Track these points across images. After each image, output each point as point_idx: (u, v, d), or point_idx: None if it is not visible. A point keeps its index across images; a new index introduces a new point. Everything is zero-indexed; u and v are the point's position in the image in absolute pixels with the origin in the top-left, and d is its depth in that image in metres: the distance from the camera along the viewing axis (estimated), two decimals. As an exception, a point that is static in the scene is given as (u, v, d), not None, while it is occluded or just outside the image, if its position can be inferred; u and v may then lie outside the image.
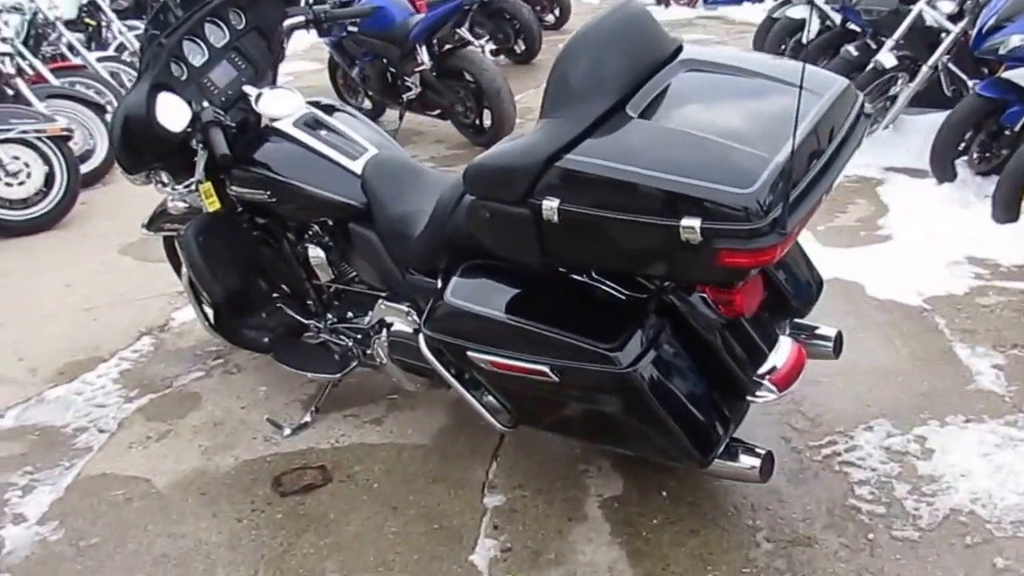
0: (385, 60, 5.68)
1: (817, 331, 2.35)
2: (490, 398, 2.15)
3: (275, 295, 2.84)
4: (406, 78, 5.55)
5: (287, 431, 2.70)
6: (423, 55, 5.34)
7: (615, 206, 1.70)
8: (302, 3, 2.80)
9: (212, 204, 2.56)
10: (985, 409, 2.56)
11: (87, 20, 7.09)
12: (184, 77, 2.51)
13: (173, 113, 2.36)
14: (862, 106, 1.99)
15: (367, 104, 6.35)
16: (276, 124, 2.54)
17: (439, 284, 2.16)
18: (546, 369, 1.91)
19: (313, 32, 2.93)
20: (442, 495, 2.37)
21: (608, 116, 1.79)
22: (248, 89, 2.60)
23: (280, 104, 2.55)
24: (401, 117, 5.87)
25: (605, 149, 1.74)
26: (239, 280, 2.68)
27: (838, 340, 2.33)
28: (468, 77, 5.33)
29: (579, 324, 1.90)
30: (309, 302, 2.79)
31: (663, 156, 1.69)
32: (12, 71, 5.15)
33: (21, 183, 4.69)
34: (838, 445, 2.44)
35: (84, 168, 5.18)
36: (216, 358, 3.21)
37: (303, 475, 2.52)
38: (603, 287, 1.96)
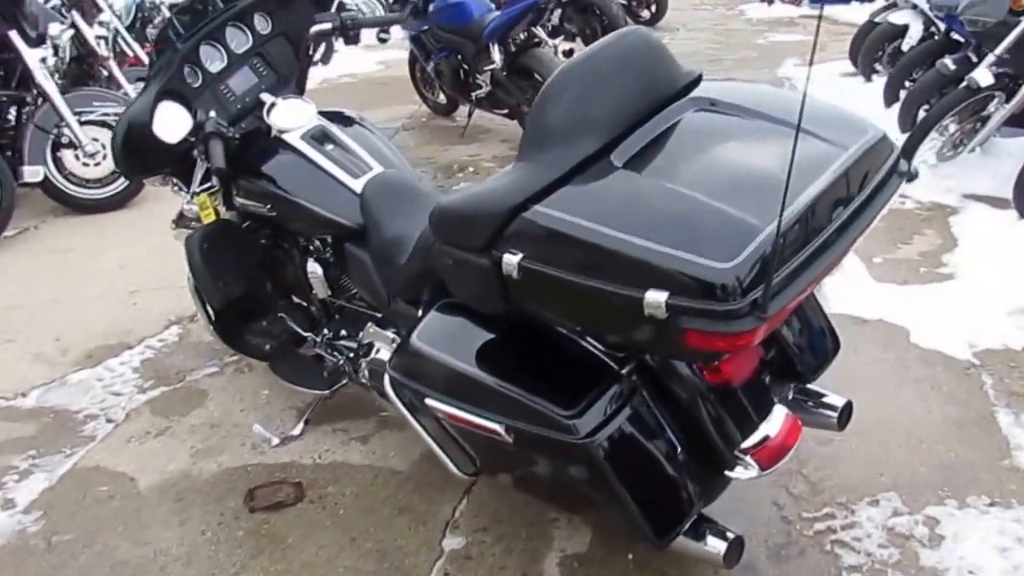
0: (459, 56, 5.61)
1: (823, 399, 2.11)
2: (452, 444, 2.04)
3: (279, 304, 2.82)
4: (478, 75, 5.48)
5: (275, 441, 2.68)
6: (495, 53, 5.25)
7: (578, 268, 1.54)
8: (332, 9, 2.73)
9: (207, 216, 2.54)
10: (1016, 492, 2.28)
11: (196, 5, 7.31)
12: (198, 83, 2.48)
13: (171, 123, 2.34)
14: (896, 163, 1.74)
15: (442, 99, 6.33)
16: (284, 136, 2.48)
17: (419, 316, 2.06)
18: (500, 429, 1.78)
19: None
20: (403, 529, 2.29)
21: (588, 164, 1.62)
22: (265, 97, 2.56)
23: (290, 116, 2.50)
24: (470, 115, 5.84)
25: (576, 203, 1.57)
26: (241, 288, 2.66)
27: (845, 411, 2.07)
28: (538, 77, 5.20)
29: (539, 384, 1.76)
30: (310, 314, 2.76)
31: (638, 216, 1.51)
32: (107, 54, 5.33)
33: (97, 164, 4.86)
34: (835, 520, 2.22)
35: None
36: (232, 355, 3.22)
37: (278, 491, 2.49)
38: (578, 342, 1.81)
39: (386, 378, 2.03)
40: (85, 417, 2.96)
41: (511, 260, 1.60)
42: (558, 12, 7.59)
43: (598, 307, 1.55)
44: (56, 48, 4.87)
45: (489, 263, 1.65)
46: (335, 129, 2.49)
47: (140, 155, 2.46)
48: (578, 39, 7.73)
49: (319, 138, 2.46)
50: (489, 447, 1.91)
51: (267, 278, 2.79)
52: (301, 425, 2.74)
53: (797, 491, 2.32)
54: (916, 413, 2.61)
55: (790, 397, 2.07)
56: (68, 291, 3.90)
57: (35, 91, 4.74)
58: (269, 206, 2.46)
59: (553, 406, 1.70)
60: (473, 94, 5.61)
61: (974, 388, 2.71)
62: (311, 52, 2.71)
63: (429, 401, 1.89)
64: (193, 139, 2.40)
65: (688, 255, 1.42)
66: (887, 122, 4.61)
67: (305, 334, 2.74)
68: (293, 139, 2.45)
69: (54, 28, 4.89)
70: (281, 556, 2.24)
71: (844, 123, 1.71)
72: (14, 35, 4.60)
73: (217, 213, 2.57)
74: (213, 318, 2.82)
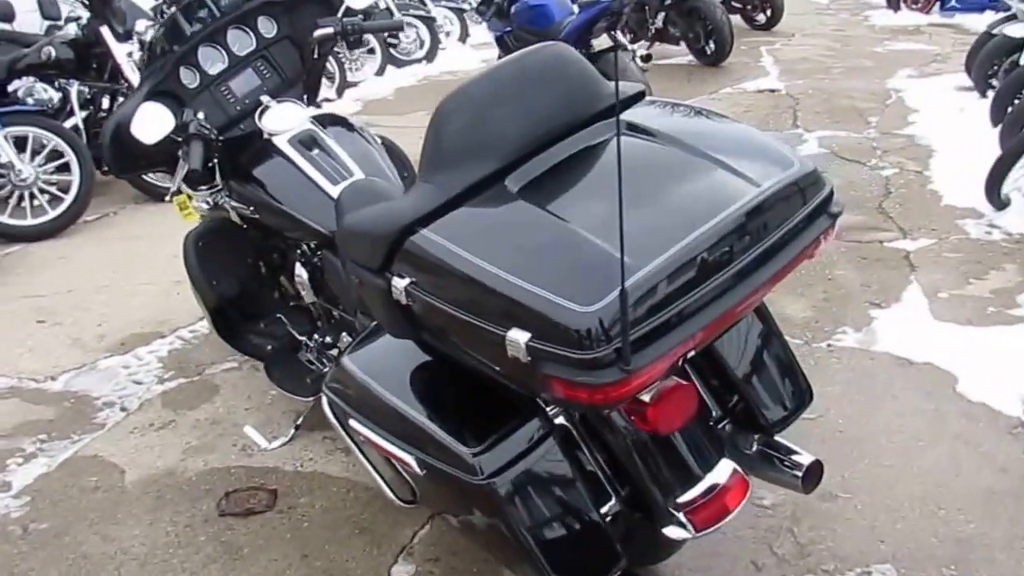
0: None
1: (792, 455, 1.89)
2: (390, 469, 1.95)
3: (278, 306, 2.80)
4: None
5: (263, 445, 2.65)
6: None
7: (453, 299, 1.44)
8: (339, 14, 2.68)
9: (188, 216, 2.54)
10: (1038, 578, 2.00)
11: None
12: (196, 84, 2.48)
13: (151, 124, 2.33)
14: (825, 202, 1.54)
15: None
16: (274, 139, 2.45)
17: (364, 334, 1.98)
18: (413, 462, 1.68)
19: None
20: (357, 550, 2.21)
21: (481, 188, 1.51)
22: (264, 99, 2.53)
23: (280, 119, 2.46)
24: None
25: (457, 230, 1.46)
26: (233, 288, 2.65)
27: (812, 472, 1.82)
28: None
29: (451, 417, 1.64)
30: (311, 319, 2.72)
31: (513, 249, 1.39)
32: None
33: (173, 152, 5.02)
34: (816, 589, 2.00)
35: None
36: (251, 352, 3.23)
37: (251, 496, 2.46)
38: None
39: (324, 397, 1.96)
40: (102, 404, 3.03)
41: (399, 284, 1.51)
42: (661, 15, 7.39)
43: (473, 341, 1.44)
44: (141, 44, 5.04)
45: (385, 286, 1.55)
46: (324, 134, 2.43)
47: (126, 154, 2.48)
48: (681, 43, 7.51)
49: (306, 142, 2.41)
50: (417, 478, 1.80)
51: (266, 279, 2.77)
52: (292, 431, 2.70)
53: (782, 551, 2.10)
54: (942, 474, 2.33)
55: (753, 449, 1.87)
56: (122, 278, 4.03)
57: (125, 84, 4.93)
58: (252, 208, 2.44)
59: (458, 441, 1.58)
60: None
61: (1016, 452, 2.39)
62: (315, 56, 2.66)
63: (352, 423, 1.81)
64: (179, 139, 2.39)
65: (550, 295, 1.28)
66: (993, 142, 4.21)
67: (300, 338, 2.70)
68: (280, 142, 2.41)
69: (140, 24, 5.07)
70: (232, 566, 2.20)
71: (767, 156, 1.52)
72: (104, 30, 4.81)
73: (222, 213, 2.56)
74: (209, 317, 2.83)
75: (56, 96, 4.93)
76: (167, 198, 2.64)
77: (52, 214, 4.61)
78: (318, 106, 2.75)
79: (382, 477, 1.94)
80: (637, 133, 1.59)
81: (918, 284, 3.38)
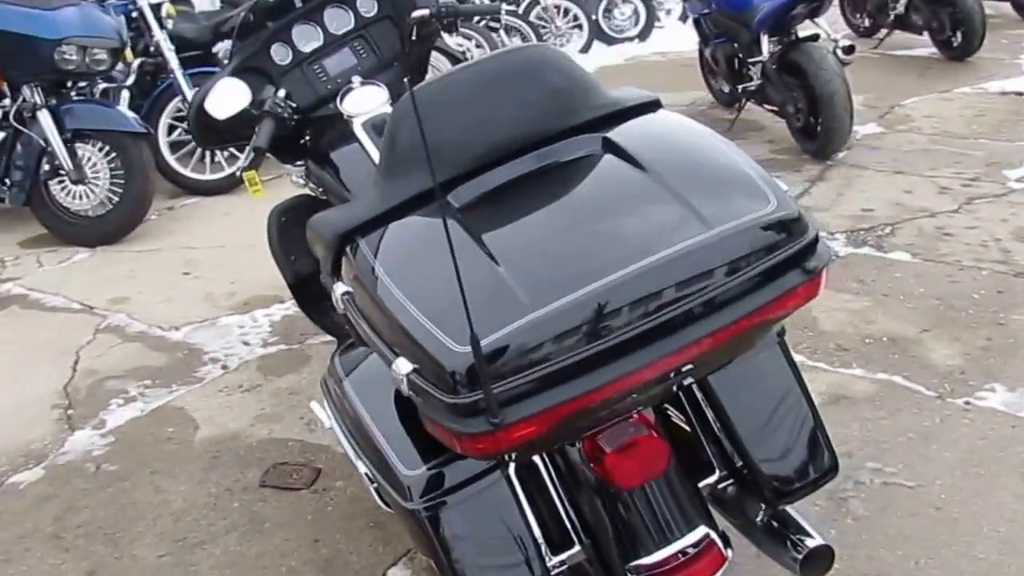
0: (735, 44, 5.20)
1: (799, 534, 1.58)
2: None
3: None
4: (750, 66, 5.02)
5: (325, 423, 2.66)
6: (764, 44, 4.77)
7: (367, 318, 1.36)
8: None
9: (256, 192, 2.56)
10: None
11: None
12: (287, 61, 2.50)
13: (224, 100, 2.36)
14: (803, 253, 1.25)
15: (725, 87, 5.88)
16: (352, 121, 2.43)
17: None
18: (363, 472, 1.62)
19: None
20: (364, 545, 2.16)
21: (426, 199, 1.39)
22: (355, 80, 2.51)
23: (359, 101, 2.42)
24: (739, 108, 5.36)
25: (385, 243, 1.37)
26: (308, 265, 2.67)
27: (814, 557, 1.52)
28: (807, 76, 4.62)
29: (403, 436, 1.53)
30: None
31: (422, 273, 1.27)
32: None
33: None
34: None
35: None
36: (352, 327, 3.27)
37: (296, 472, 2.48)
38: None
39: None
40: (208, 360, 3.18)
41: (338, 290, 1.44)
42: (903, 1, 6.69)
43: (384, 363, 1.31)
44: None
45: (329, 290, 1.48)
46: None
47: (206, 126, 2.54)
48: (925, 33, 6.72)
49: (379, 127, 2.36)
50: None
51: None
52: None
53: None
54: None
55: (757, 518, 1.60)
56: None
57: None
58: (321, 190, 2.43)
59: (399, 461, 1.47)
60: (741, 86, 5.19)
61: None
62: (414, 38, 2.59)
63: (327, 422, 1.75)
64: (257, 114, 2.42)
65: (434, 328, 1.15)
66: None
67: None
68: (355, 125, 2.37)
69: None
70: (247, 538, 2.23)
71: (743, 191, 1.27)
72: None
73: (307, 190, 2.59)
74: (291, 291, 2.86)
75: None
76: (237, 172, 2.70)
77: (228, 171, 4.93)
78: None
79: (368, 478, 1.87)
80: (613, 151, 1.40)
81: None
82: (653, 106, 1.52)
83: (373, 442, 1.54)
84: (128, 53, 5.20)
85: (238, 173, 2.64)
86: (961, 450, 2.34)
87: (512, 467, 1.53)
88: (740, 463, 1.56)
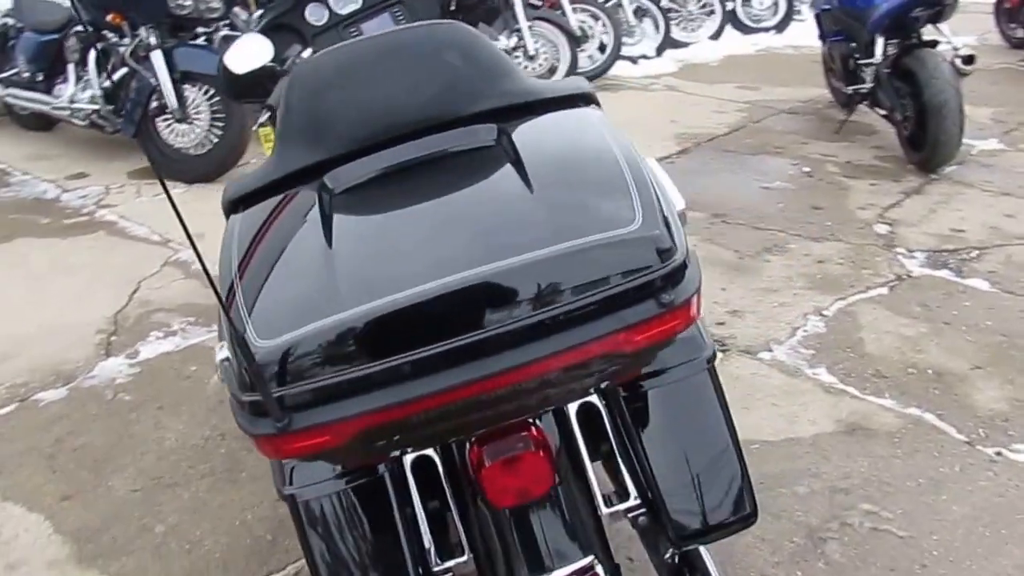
0: (852, 43, 4.87)
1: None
2: None
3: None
4: (863, 68, 4.70)
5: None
6: (878, 46, 4.45)
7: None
8: None
9: (268, 150, 2.58)
10: None
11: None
12: (322, 22, 2.50)
13: (244, 56, 2.38)
14: (658, 284, 1.10)
15: (841, 87, 5.52)
16: None
17: None
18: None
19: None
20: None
21: (305, 177, 1.35)
22: None
23: None
24: (850, 110, 5.07)
25: (253, 219, 1.33)
26: None
27: None
28: (919, 83, 4.28)
29: None
30: None
31: (262, 258, 1.23)
32: None
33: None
34: None
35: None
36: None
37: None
38: None
39: None
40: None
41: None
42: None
43: None
44: None
45: None
46: None
47: (228, 80, 2.57)
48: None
49: None
50: None
51: None
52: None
53: None
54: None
55: (666, 556, 1.49)
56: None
57: None
58: None
59: None
60: (853, 87, 4.86)
61: None
62: (454, 8, 2.54)
63: None
64: (280, 71, 2.43)
65: (247, 317, 1.10)
66: None
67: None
68: None
69: None
70: (218, 486, 2.29)
71: (612, 204, 1.14)
72: None
73: None
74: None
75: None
76: (254, 127, 2.73)
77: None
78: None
79: None
80: (503, 146, 1.33)
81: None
82: (582, 100, 1.42)
83: None
84: (251, 1, 5.39)
85: (254, 127, 2.68)
86: (972, 505, 2.12)
87: (408, 460, 1.49)
88: (650, 494, 1.46)
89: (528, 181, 1.21)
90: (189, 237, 0.97)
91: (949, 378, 2.60)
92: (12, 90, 5.61)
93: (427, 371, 1.05)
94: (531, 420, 1.31)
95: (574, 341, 1.06)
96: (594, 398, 1.46)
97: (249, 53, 2.35)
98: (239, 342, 1.07)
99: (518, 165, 1.25)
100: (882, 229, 3.69)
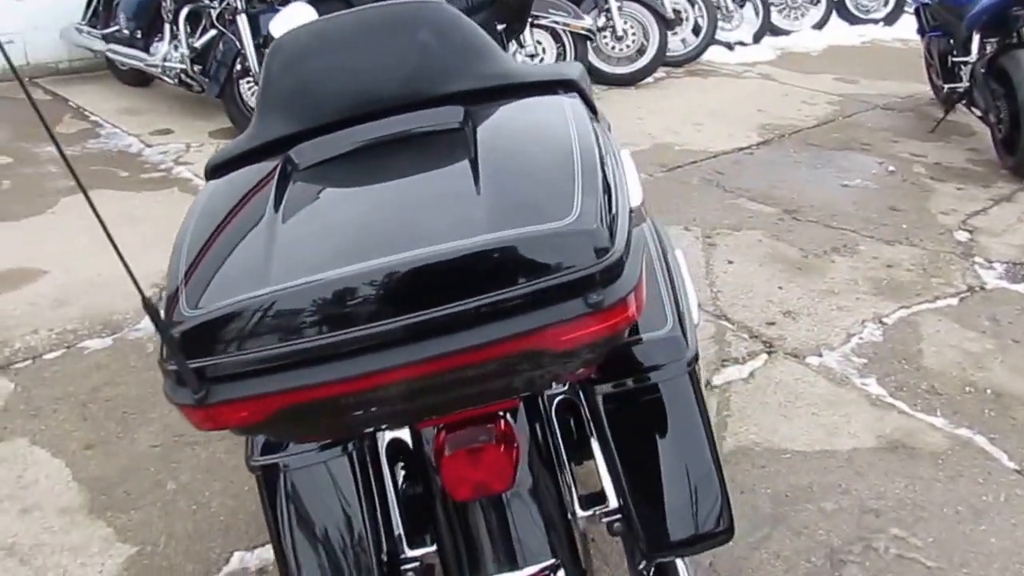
0: (951, 40, 4.62)
1: None
2: None
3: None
4: (960, 66, 4.45)
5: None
6: (975, 43, 4.22)
7: None
8: None
9: None
10: None
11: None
12: None
13: (288, 24, 2.38)
14: (585, 283, 1.00)
15: (939, 85, 5.24)
16: None
17: None
18: None
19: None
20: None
21: (274, 149, 1.32)
22: None
23: None
24: (947, 110, 4.79)
25: (219, 190, 1.31)
26: None
27: None
28: (1013, 84, 4.01)
29: None
30: None
31: (212, 228, 1.20)
32: None
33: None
34: None
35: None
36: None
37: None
38: None
39: None
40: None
41: None
42: None
43: None
44: None
45: None
46: None
47: None
48: None
49: None
50: None
51: None
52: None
53: None
54: None
55: (640, 566, 1.41)
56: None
57: None
58: None
59: None
60: (948, 85, 4.62)
61: None
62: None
63: None
64: None
65: (182, 286, 1.07)
66: None
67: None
68: None
69: None
70: (238, 449, 2.25)
71: (553, 196, 1.06)
72: None
73: None
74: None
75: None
76: None
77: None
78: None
79: None
80: (466, 129, 1.27)
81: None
82: (561, 87, 1.36)
83: None
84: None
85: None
86: (1013, 540, 1.96)
87: (384, 442, 1.46)
88: (621, 501, 1.39)
89: (476, 168, 1.15)
90: (106, 232, 0.96)
91: (1008, 400, 2.42)
92: (113, 46, 5.81)
93: (342, 355, 1.00)
94: (501, 413, 1.26)
95: (496, 335, 0.99)
96: (576, 396, 1.40)
97: (291, 21, 2.35)
98: (167, 310, 1.05)
99: (471, 149, 1.20)
100: (962, 236, 3.46)
